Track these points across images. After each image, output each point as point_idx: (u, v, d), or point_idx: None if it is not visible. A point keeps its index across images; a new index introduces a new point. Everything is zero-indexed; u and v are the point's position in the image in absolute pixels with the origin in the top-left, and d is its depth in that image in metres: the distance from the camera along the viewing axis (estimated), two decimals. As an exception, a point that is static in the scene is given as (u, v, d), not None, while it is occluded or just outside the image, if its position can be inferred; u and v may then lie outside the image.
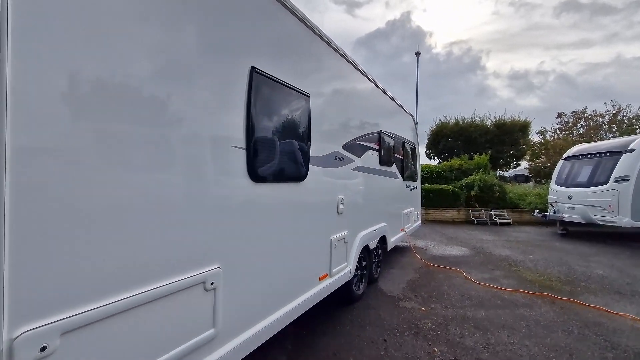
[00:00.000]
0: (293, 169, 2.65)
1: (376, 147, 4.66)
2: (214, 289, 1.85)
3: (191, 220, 1.74)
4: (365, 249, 4.38)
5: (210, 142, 1.88)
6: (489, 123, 23.20)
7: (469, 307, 4.18)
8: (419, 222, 7.83)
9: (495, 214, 12.19)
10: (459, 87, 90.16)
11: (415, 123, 7.17)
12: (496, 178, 14.80)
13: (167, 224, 1.61)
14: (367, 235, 4.28)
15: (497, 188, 12.99)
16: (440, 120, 24.90)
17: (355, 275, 4.10)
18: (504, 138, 22.05)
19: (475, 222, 12.13)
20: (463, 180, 13.81)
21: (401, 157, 6.04)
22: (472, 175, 13.88)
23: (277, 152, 2.41)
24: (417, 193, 7.56)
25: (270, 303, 2.41)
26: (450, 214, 12.82)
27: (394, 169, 5.55)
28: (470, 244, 8.36)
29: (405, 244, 7.70)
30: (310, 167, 2.87)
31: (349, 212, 3.72)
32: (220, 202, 1.96)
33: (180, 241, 1.68)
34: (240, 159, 2.08)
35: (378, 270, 5.11)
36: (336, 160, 3.42)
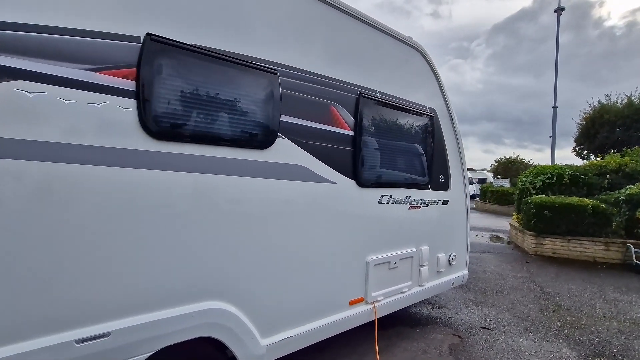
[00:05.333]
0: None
1: (100, 79, 1.50)
2: None
3: None
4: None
5: None
6: (694, 99, 14.51)
7: None
8: (460, 273, 3.81)
9: (693, 259, 6.24)
10: (649, 67, 65.95)
11: (430, 63, 3.26)
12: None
13: None
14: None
15: (702, 208, 6.76)
16: (599, 101, 17.07)
17: None
18: None
19: (642, 270, 6.46)
20: (623, 191, 7.88)
21: (351, 133, 2.52)
22: (642, 182, 7.85)
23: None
24: (448, 213, 3.60)
25: None
26: (587, 248, 7.33)
27: (276, 153, 2.15)
28: (597, 334, 3.70)
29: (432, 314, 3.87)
30: None
31: None
32: None
33: None
34: None
35: None
36: None
